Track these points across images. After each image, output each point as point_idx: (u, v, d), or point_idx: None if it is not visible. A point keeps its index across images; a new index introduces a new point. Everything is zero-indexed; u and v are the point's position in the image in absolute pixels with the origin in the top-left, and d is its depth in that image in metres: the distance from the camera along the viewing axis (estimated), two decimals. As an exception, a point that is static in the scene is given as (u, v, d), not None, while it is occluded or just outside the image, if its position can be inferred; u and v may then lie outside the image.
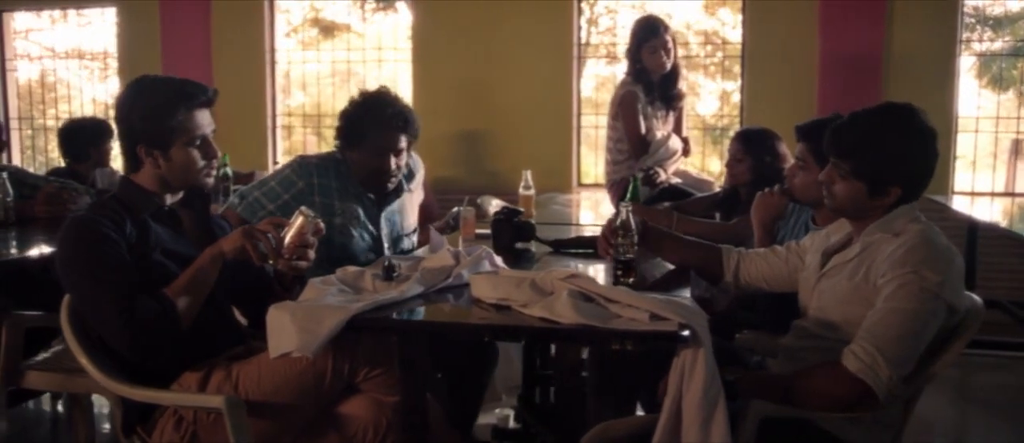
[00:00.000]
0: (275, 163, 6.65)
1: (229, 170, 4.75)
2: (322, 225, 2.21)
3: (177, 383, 2.14)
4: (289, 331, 1.91)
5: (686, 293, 2.12)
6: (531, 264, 2.81)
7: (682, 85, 4.22)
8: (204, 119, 2.23)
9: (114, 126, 2.24)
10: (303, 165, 2.82)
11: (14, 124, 7.13)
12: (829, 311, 2.14)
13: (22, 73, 7.21)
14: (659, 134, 4.06)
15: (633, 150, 4.05)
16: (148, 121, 2.15)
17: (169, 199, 2.26)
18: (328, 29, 7.26)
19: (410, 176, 3.10)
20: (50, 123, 7.26)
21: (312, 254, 2.18)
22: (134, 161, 2.20)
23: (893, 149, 2.04)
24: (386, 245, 2.93)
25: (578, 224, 3.63)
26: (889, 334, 1.92)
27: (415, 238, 3.03)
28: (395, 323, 1.96)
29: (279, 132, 6.70)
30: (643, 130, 4.04)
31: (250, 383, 2.12)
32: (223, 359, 2.19)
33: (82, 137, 4.46)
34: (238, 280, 2.31)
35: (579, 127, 6.09)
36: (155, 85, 2.22)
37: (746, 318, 2.77)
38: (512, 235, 2.91)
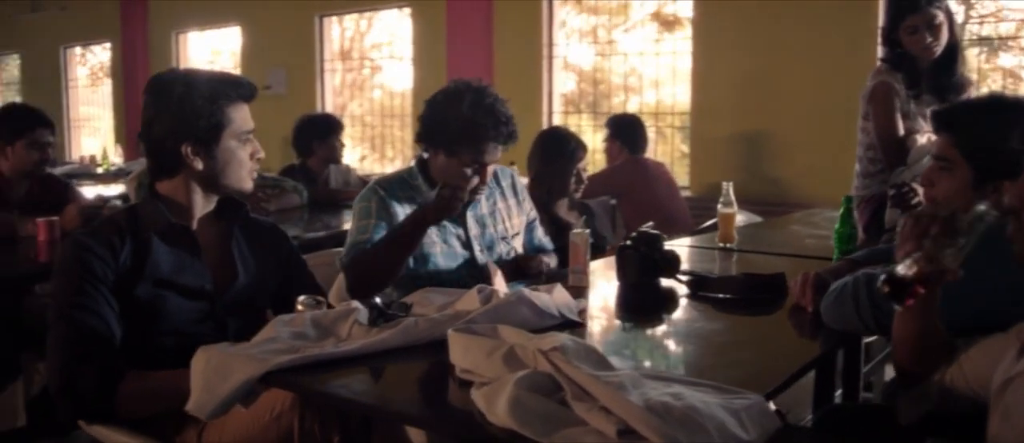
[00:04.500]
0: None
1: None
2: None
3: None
4: (197, 384, 1.52)
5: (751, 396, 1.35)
6: (670, 311, 2.14)
7: (963, 73, 3.08)
8: (248, 113, 1.98)
9: (151, 128, 1.94)
10: (368, 188, 2.51)
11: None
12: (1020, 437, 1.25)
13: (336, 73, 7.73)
14: (922, 139, 3.00)
15: (886, 157, 3.05)
16: (198, 113, 1.87)
17: (201, 208, 1.98)
18: (669, 24, 6.83)
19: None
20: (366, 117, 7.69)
21: None
22: (171, 165, 1.94)
23: None
24: (477, 248, 2.49)
25: (804, 255, 2.75)
26: None
27: (515, 243, 2.51)
28: (310, 392, 1.47)
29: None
30: (900, 131, 3.02)
31: (214, 433, 1.79)
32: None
33: (307, 133, 4.46)
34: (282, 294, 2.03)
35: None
36: (196, 77, 1.94)
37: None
38: (641, 269, 2.24)
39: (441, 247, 2.46)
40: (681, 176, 5.70)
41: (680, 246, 2.98)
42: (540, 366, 1.36)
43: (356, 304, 1.80)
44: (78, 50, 10.41)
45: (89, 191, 4.52)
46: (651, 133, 6.14)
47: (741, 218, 3.94)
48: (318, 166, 4.47)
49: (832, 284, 1.85)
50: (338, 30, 7.73)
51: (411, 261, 2.41)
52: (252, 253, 2.07)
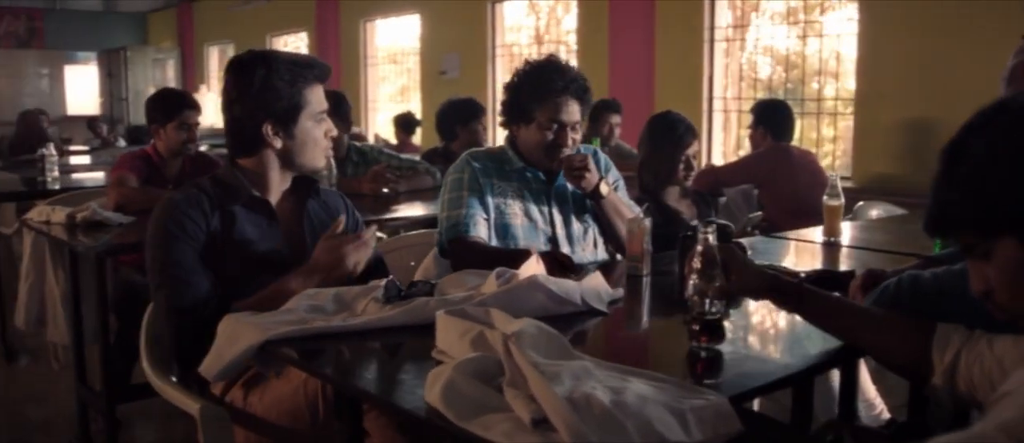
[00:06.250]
0: (710, 148, 6.21)
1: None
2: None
3: None
4: (213, 348, 1.65)
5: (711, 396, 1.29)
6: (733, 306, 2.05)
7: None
8: (322, 94, 2.08)
9: (233, 108, 2.06)
10: (461, 160, 2.59)
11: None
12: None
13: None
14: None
15: None
16: (279, 95, 1.98)
17: (278, 184, 2.11)
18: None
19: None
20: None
21: None
22: (252, 143, 2.04)
23: None
24: (558, 224, 2.53)
25: (909, 253, 2.52)
26: None
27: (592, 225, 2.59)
28: (292, 362, 1.55)
29: (715, 118, 6.21)
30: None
31: (256, 395, 1.91)
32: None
33: (449, 116, 4.57)
34: None
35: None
36: (276, 59, 2.02)
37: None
38: (699, 260, 2.16)
39: (523, 221, 2.49)
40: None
41: (783, 239, 2.85)
42: (502, 350, 1.37)
43: (382, 282, 1.86)
44: (286, 39, 11.23)
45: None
46: (850, 120, 5.77)
47: (879, 211, 3.71)
48: (460, 150, 4.55)
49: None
50: (532, 18, 7.89)
51: (493, 234, 2.47)
52: (323, 228, 2.17)
